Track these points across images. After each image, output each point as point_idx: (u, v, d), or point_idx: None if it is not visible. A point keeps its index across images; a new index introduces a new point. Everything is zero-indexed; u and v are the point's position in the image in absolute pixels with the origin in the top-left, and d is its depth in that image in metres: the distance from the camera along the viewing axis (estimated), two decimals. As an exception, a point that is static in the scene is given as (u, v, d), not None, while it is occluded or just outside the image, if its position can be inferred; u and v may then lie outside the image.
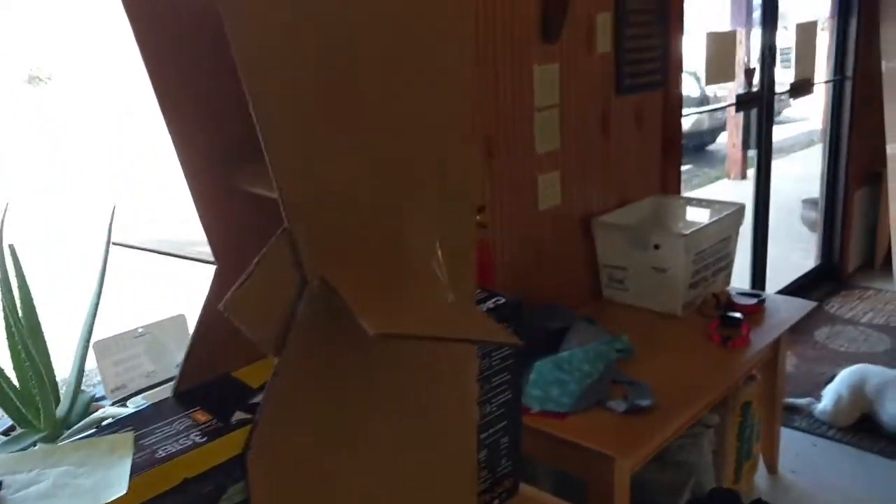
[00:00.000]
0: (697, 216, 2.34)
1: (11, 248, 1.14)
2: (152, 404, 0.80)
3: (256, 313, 0.73)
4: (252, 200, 0.81)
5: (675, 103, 2.42)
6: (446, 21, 0.82)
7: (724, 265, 2.25)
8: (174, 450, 0.72)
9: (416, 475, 0.90)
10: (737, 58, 2.74)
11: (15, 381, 1.08)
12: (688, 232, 2.04)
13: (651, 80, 2.32)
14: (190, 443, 0.73)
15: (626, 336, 1.89)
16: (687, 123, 7.96)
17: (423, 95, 0.83)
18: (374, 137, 0.79)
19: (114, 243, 0.85)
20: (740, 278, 3.26)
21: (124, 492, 0.65)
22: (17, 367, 1.07)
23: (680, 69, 2.41)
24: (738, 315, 2.02)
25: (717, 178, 7.30)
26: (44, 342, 1.16)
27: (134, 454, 0.71)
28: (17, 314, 1.08)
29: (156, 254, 0.87)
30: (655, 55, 2.30)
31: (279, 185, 0.71)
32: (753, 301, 2.15)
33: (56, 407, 1.10)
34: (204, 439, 0.73)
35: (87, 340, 1.08)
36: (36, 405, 1.08)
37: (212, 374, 0.84)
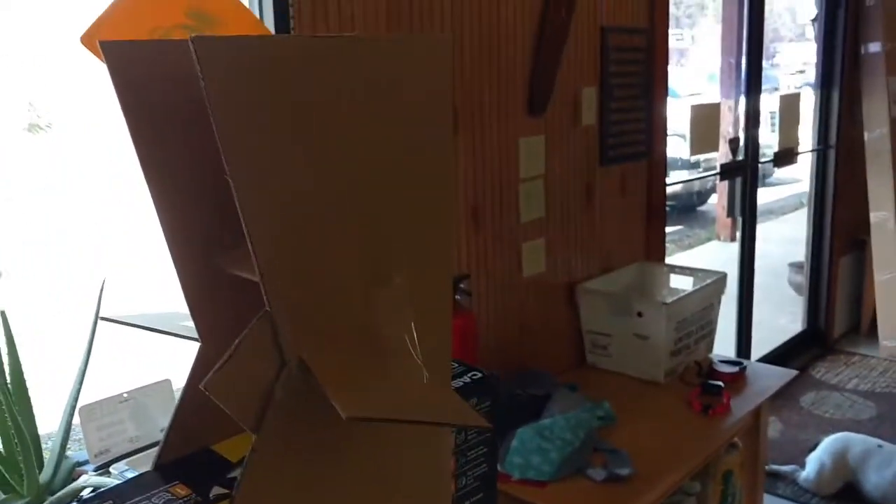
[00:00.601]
0: (680, 283, 2.39)
1: (3, 314, 1.17)
2: (133, 478, 0.83)
3: (236, 392, 0.76)
4: (237, 283, 0.85)
5: (658, 171, 2.49)
6: (430, 96, 0.86)
7: (707, 333, 2.29)
8: (151, 526, 0.74)
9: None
10: (721, 128, 2.82)
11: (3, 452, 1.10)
12: (670, 300, 2.08)
13: (635, 151, 2.39)
14: (168, 518, 0.75)
15: (607, 403, 1.91)
16: (677, 185, 8.06)
17: (408, 172, 0.87)
18: (356, 219, 0.83)
19: (102, 318, 0.89)
20: (726, 342, 3.29)
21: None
22: (3, 433, 1.09)
23: (664, 137, 2.48)
24: (718, 383, 2.05)
25: (708, 240, 7.37)
26: (30, 408, 1.18)
27: (114, 529, 0.73)
28: (6, 381, 1.11)
29: (144, 329, 0.91)
30: (640, 126, 2.38)
31: (261, 269, 0.75)
32: (735, 369, 2.18)
33: (40, 473, 1.12)
34: (181, 514, 0.76)
35: (73, 408, 1.11)
36: (20, 471, 1.11)
37: (195, 446, 0.87)
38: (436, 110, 0.87)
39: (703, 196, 8.71)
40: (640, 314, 2.10)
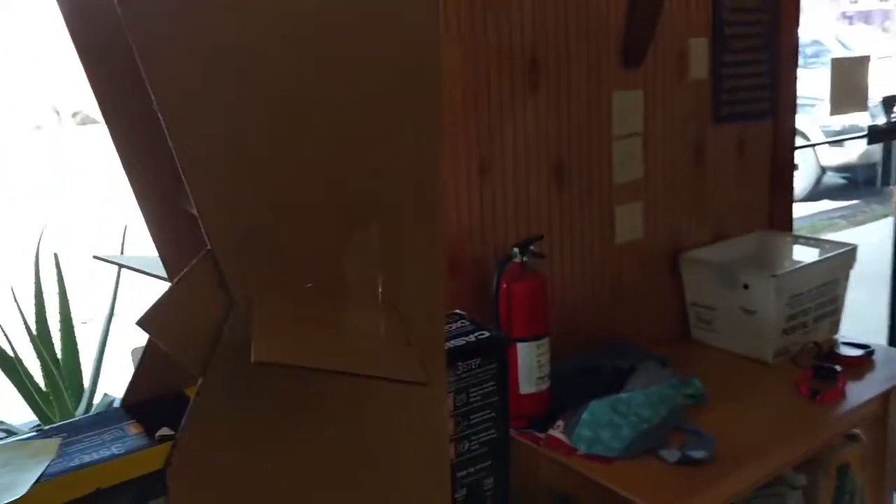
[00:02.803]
0: (804, 255, 2.15)
1: (55, 256, 1.23)
2: (97, 413, 0.83)
3: (175, 330, 0.74)
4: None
5: (785, 132, 2.24)
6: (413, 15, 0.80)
7: (830, 311, 2.05)
8: (89, 459, 0.74)
9: (365, 499, 0.87)
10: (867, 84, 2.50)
11: (41, 383, 1.17)
12: (780, 272, 1.88)
13: (756, 109, 2.17)
14: (108, 454, 0.75)
15: (697, 380, 1.75)
16: (853, 155, 7.37)
17: (383, 118, 0.81)
18: (320, 162, 0.78)
19: (94, 257, 0.90)
20: (879, 329, 2.96)
21: (19, 495, 0.68)
22: (45, 369, 1.15)
23: (793, 96, 2.24)
24: (835, 367, 1.83)
25: (885, 216, 6.69)
26: (75, 347, 1.24)
27: (53, 460, 0.74)
28: (45, 320, 1.16)
29: (133, 271, 0.91)
30: (762, 82, 2.15)
31: (198, 206, 0.72)
32: (860, 353, 1.94)
33: (76, 408, 1.18)
34: (122, 451, 0.75)
35: (103, 349, 1.15)
36: (63, 407, 1.16)
37: (167, 388, 0.86)
38: (420, 52, 0.80)
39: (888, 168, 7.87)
40: (746, 286, 1.91)
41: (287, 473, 0.80)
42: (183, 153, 0.69)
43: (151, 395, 0.86)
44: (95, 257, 0.90)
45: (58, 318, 1.18)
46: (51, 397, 1.10)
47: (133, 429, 0.80)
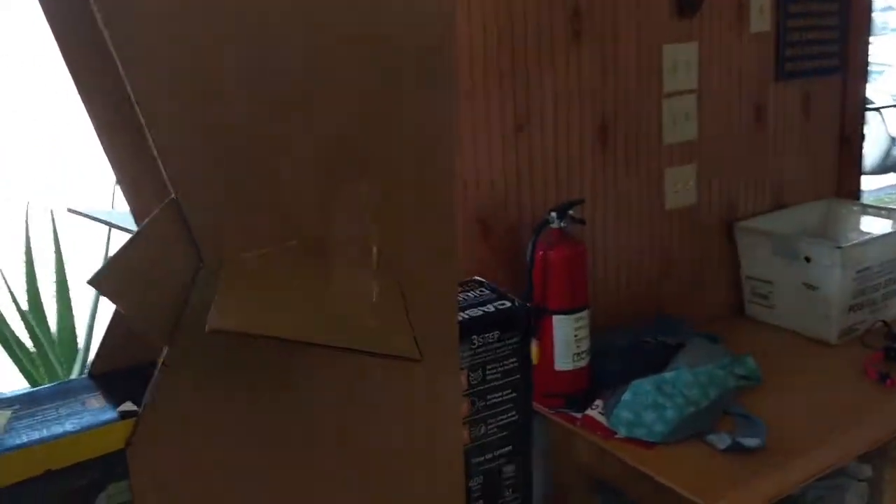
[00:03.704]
0: (874, 227, 1.97)
1: (51, 212, 1.15)
2: (59, 383, 0.74)
3: (135, 293, 0.64)
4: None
5: (855, 89, 2.05)
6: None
7: (902, 287, 1.87)
8: (38, 436, 0.65)
9: (357, 488, 0.77)
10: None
11: (30, 346, 1.09)
12: (846, 244, 1.71)
13: (824, 65, 1.98)
14: (60, 430, 0.66)
15: (751, 359, 1.61)
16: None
17: (383, 61, 0.70)
18: (305, 113, 0.67)
19: (68, 210, 0.81)
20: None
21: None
22: (30, 331, 1.07)
23: (865, 52, 2.04)
24: (907, 348, 1.66)
25: None
26: (69, 307, 1.16)
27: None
28: (35, 280, 1.08)
29: (107, 225, 0.82)
30: (831, 35, 1.96)
31: (159, 152, 0.62)
32: (936, 333, 1.77)
33: (68, 372, 1.10)
34: (76, 428, 0.66)
35: (95, 311, 1.06)
36: (50, 369, 1.08)
37: (139, 358, 0.77)
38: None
39: None
40: (807, 259, 1.74)
41: (266, 457, 0.70)
42: (132, 75, 0.59)
43: (122, 365, 0.77)
44: (70, 210, 0.81)
45: (53, 279, 1.11)
46: (36, 359, 1.02)
47: (94, 402, 0.70)
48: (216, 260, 0.66)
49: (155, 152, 0.62)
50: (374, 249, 0.69)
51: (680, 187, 1.80)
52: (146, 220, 0.63)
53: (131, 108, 0.67)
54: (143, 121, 0.60)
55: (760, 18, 1.83)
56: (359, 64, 0.68)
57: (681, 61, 1.72)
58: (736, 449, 1.37)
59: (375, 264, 0.68)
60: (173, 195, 0.64)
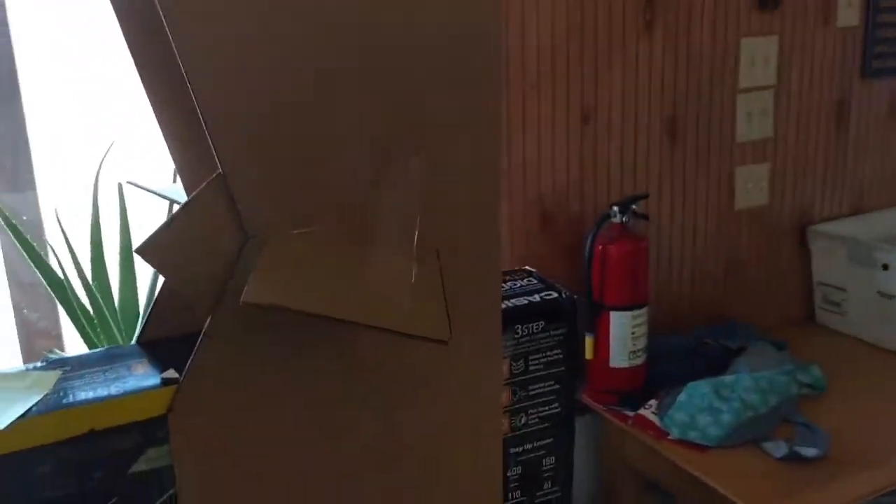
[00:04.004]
0: (962, 237, 1.87)
1: (119, 185, 1.19)
2: (109, 348, 0.77)
3: (180, 264, 0.66)
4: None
5: (949, 94, 1.94)
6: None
7: None
8: (84, 397, 0.67)
9: (393, 465, 0.77)
10: None
11: (89, 307, 1.13)
12: (928, 253, 1.63)
13: (915, 64, 1.88)
14: (105, 393, 0.68)
15: (817, 368, 1.55)
16: None
17: (433, 35, 0.69)
18: (353, 88, 0.67)
19: (127, 182, 0.84)
20: None
21: (1, 427, 0.62)
22: (88, 292, 1.11)
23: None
24: None
25: None
26: (133, 276, 1.20)
27: (48, 394, 0.68)
28: (101, 244, 1.12)
29: (163, 199, 0.84)
30: (925, 32, 1.86)
31: (207, 123, 0.63)
32: None
33: (128, 341, 1.14)
34: (119, 392, 0.68)
35: (156, 279, 1.09)
36: (111, 337, 1.13)
37: (182, 326, 0.79)
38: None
39: None
40: (885, 266, 1.67)
41: (304, 431, 0.71)
42: (181, 47, 0.60)
43: (170, 333, 0.79)
44: (129, 183, 0.83)
45: (117, 248, 1.15)
46: (98, 327, 1.06)
47: (140, 368, 0.72)
48: (261, 235, 0.67)
49: (204, 127, 0.63)
50: (416, 231, 0.69)
51: (751, 187, 1.74)
52: (192, 195, 0.65)
53: (185, 85, 0.68)
54: (192, 96, 0.62)
55: (848, 12, 1.75)
56: (407, 45, 0.68)
57: (759, 56, 1.66)
58: (793, 458, 1.32)
59: (417, 246, 0.68)
60: (220, 170, 0.65)
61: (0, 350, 1.61)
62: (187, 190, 0.78)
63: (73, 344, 1.25)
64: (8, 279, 1.52)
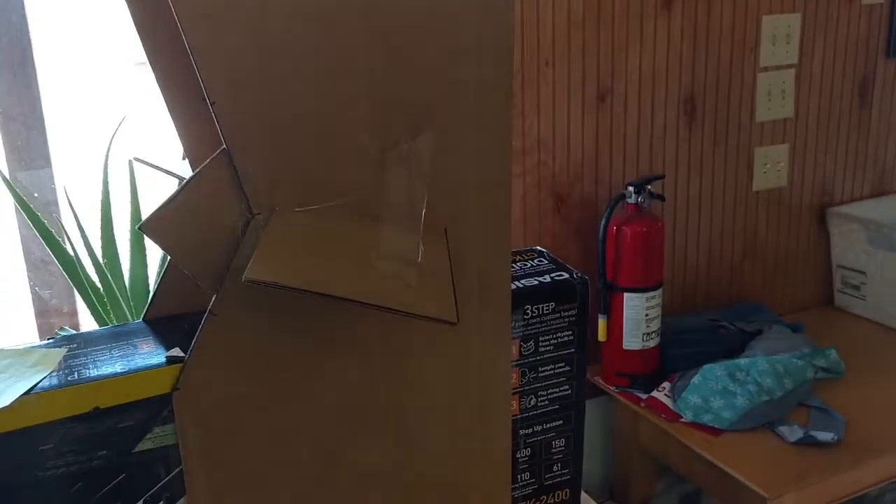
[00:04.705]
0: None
1: (129, 162, 1.18)
2: (115, 326, 0.77)
3: (184, 239, 0.65)
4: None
5: (976, 74, 1.90)
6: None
7: None
8: (88, 375, 0.67)
9: (402, 447, 0.77)
10: None
11: (100, 286, 1.13)
12: (951, 236, 1.60)
13: (942, 42, 1.83)
14: (110, 371, 0.67)
15: (834, 351, 1.53)
16: None
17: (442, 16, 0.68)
18: (360, 63, 0.66)
19: (135, 159, 0.83)
20: None
21: (5, 404, 0.61)
22: (99, 272, 1.11)
23: None
24: None
25: None
26: (143, 254, 1.19)
27: (53, 371, 0.67)
28: (110, 221, 1.12)
29: (170, 176, 0.83)
30: (952, 10, 1.81)
31: (210, 95, 0.62)
32: None
33: (135, 316, 1.14)
34: (124, 370, 0.68)
35: (166, 256, 1.09)
36: (120, 315, 1.13)
37: (186, 304, 0.79)
38: None
39: None
40: (906, 249, 1.64)
41: (311, 411, 0.71)
42: (185, 22, 0.59)
43: (176, 311, 0.79)
44: (136, 159, 0.83)
45: (128, 227, 1.15)
46: (108, 304, 1.06)
47: (145, 346, 0.72)
48: (266, 212, 0.66)
49: (209, 103, 0.62)
50: (424, 210, 0.68)
51: (770, 168, 1.72)
52: (197, 170, 0.64)
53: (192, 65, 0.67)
54: (197, 71, 0.61)
55: (872, -10, 1.71)
56: (416, 17, 0.67)
57: (781, 33, 1.63)
58: (808, 442, 1.31)
59: (424, 225, 0.67)
60: (224, 146, 0.64)
61: (17, 328, 1.62)
62: (193, 167, 0.77)
63: (88, 322, 1.26)
64: (24, 258, 1.53)
